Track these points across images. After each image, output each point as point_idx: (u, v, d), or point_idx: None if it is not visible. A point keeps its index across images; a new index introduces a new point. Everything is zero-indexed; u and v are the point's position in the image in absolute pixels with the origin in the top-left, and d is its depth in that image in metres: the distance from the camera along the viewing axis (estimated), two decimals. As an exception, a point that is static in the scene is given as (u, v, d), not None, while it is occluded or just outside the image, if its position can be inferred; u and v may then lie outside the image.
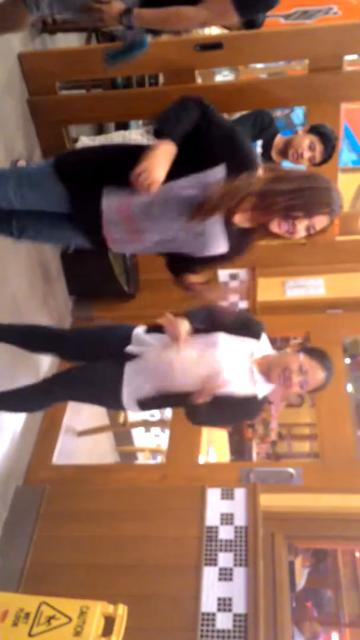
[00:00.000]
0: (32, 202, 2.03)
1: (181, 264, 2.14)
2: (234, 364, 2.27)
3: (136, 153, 1.82)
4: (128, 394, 2.35)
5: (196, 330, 2.27)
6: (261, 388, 2.32)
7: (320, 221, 1.88)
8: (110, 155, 2.02)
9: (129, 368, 2.34)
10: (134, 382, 2.34)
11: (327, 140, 3.00)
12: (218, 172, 1.84)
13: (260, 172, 1.89)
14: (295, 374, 2.22)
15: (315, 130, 3.02)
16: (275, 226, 1.90)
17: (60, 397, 2.63)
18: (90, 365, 2.47)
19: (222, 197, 1.83)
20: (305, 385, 2.25)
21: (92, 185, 1.92)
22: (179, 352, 2.25)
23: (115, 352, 2.40)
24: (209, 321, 2.30)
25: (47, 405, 2.77)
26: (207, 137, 1.88)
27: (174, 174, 1.82)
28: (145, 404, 2.38)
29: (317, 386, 2.28)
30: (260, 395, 2.32)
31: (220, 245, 1.98)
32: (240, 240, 2.01)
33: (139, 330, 2.44)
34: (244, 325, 2.35)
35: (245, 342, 2.32)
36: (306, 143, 3.00)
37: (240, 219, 1.95)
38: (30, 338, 2.70)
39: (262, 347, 2.36)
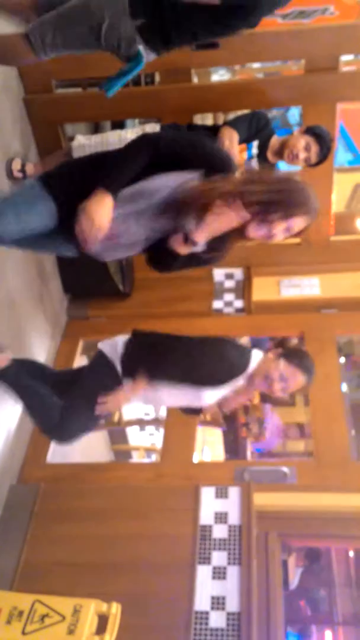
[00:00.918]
0: (34, 224, 1.99)
1: (162, 258, 2.10)
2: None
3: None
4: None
5: None
6: None
7: (297, 223, 1.88)
8: (94, 166, 1.99)
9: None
10: None
11: (323, 141, 3.00)
12: (192, 176, 1.86)
13: (237, 174, 1.90)
14: (275, 382, 2.25)
15: (311, 131, 3.03)
16: (252, 231, 1.89)
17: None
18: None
19: (193, 196, 1.84)
20: (287, 389, 2.29)
21: (77, 197, 1.90)
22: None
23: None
24: None
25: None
26: (174, 156, 1.88)
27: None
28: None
29: (298, 388, 2.32)
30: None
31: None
32: (217, 243, 2.00)
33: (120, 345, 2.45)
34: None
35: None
36: (302, 144, 3.01)
37: (216, 223, 1.96)
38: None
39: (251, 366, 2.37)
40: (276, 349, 2.34)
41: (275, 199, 1.83)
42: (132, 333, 2.50)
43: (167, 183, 1.87)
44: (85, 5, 2.33)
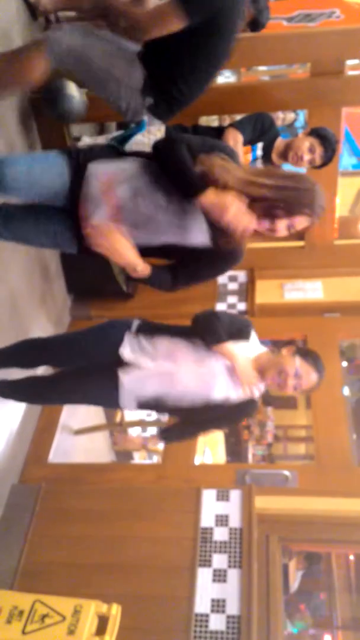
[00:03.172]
0: (44, 182, 2.05)
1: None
2: (228, 370, 2.28)
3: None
4: (127, 400, 2.37)
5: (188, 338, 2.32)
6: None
7: (300, 221, 1.91)
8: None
9: (126, 377, 2.32)
10: (132, 391, 2.34)
11: (328, 143, 3.00)
12: None
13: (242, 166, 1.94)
14: (290, 378, 2.24)
15: (316, 132, 3.02)
16: (256, 223, 1.92)
17: (57, 402, 2.67)
18: (84, 378, 2.47)
19: (210, 167, 1.87)
20: (299, 388, 2.26)
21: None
22: (178, 360, 2.27)
23: (107, 360, 2.37)
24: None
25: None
26: None
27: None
28: (143, 406, 2.40)
29: (309, 388, 2.30)
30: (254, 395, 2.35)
31: (202, 231, 2.00)
32: (222, 237, 2.01)
33: (134, 333, 2.41)
34: (235, 329, 2.34)
35: (237, 346, 2.31)
36: (306, 145, 3.01)
37: None
38: (20, 356, 2.66)
39: (252, 346, 2.36)
40: (289, 346, 2.33)
41: (281, 195, 1.85)
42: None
43: None
44: (108, 74, 2.44)
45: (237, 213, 1.86)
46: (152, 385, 2.30)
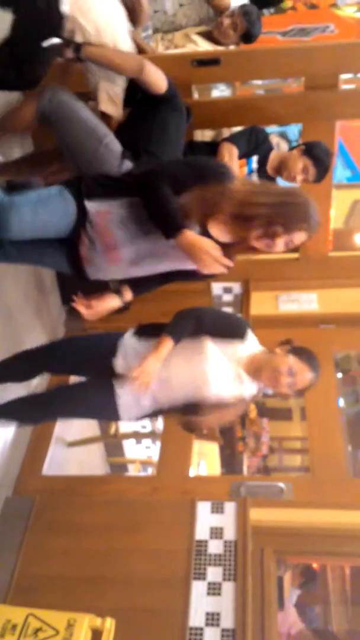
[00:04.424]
0: (50, 223, 2.08)
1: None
2: (221, 369, 2.27)
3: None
4: (126, 413, 2.38)
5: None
6: (248, 387, 2.33)
7: (298, 237, 1.93)
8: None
9: (122, 390, 2.34)
10: (129, 405, 2.36)
11: (320, 163, 3.03)
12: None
13: (237, 183, 1.94)
14: (284, 376, 2.24)
15: (309, 153, 3.03)
16: (254, 240, 1.93)
17: (57, 416, 2.68)
18: (82, 390, 2.49)
19: (197, 203, 1.88)
20: (294, 386, 2.26)
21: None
22: (169, 364, 2.26)
23: (100, 369, 2.40)
24: (195, 328, 2.30)
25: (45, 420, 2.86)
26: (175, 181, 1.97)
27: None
28: (143, 417, 2.41)
29: (305, 386, 2.30)
30: (247, 395, 2.34)
31: None
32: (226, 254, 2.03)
33: (127, 341, 2.43)
34: (228, 329, 2.34)
35: (230, 345, 2.31)
36: (299, 167, 3.04)
37: (219, 233, 1.99)
38: (16, 365, 2.69)
39: (248, 345, 2.34)
40: (283, 345, 2.33)
41: (279, 213, 1.87)
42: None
43: None
44: (95, 152, 2.64)
45: (209, 262, 1.91)
46: (147, 394, 2.30)
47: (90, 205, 2.04)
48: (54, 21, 2.48)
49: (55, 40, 2.52)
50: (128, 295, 2.39)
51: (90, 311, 2.41)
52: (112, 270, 2.21)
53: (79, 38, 2.56)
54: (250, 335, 2.37)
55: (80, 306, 2.38)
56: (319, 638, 2.47)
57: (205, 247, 1.89)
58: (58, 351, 2.66)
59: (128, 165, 2.67)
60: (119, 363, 2.34)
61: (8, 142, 3.23)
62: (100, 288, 3.73)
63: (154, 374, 2.16)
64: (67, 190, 2.06)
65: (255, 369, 2.30)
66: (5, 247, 2.15)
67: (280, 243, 1.94)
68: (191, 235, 1.90)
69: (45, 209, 2.03)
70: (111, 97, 2.79)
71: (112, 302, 2.40)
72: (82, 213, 2.05)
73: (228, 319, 2.45)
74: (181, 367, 2.26)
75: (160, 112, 2.75)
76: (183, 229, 1.90)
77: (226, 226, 1.99)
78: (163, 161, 2.63)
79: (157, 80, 2.69)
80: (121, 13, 2.74)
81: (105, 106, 2.78)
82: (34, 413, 2.62)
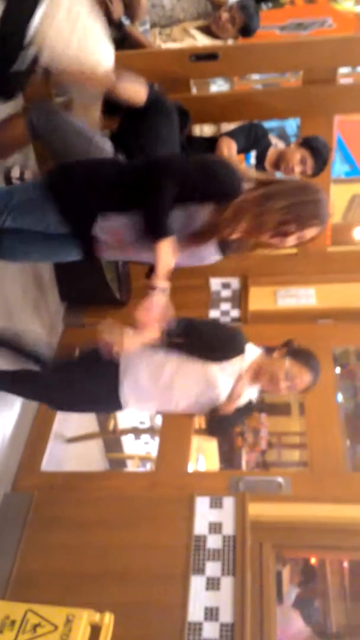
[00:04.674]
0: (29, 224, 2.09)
1: None
2: (225, 377, 2.29)
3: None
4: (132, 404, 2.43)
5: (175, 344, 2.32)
6: (249, 392, 2.36)
7: (310, 232, 1.91)
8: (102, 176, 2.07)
9: (127, 389, 2.37)
10: (136, 399, 2.40)
11: (319, 154, 3.02)
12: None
13: (247, 185, 1.91)
14: (282, 380, 2.24)
15: (307, 144, 3.04)
16: (266, 237, 1.92)
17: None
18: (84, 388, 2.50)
19: (218, 226, 1.88)
20: (293, 389, 2.28)
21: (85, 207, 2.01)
22: (175, 368, 2.30)
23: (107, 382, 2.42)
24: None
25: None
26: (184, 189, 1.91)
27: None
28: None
29: (304, 388, 2.31)
30: (252, 398, 2.37)
31: (214, 255, 2.06)
32: (231, 246, 2.06)
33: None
34: (213, 347, 2.33)
35: (231, 364, 2.32)
36: (297, 158, 3.04)
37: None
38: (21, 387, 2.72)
39: (247, 356, 2.35)
40: (281, 348, 2.34)
41: (294, 212, 1.85)
42: None
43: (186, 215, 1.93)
44: (87, 154, 2.58)
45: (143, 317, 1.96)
46: (153, 406, 2.43)
47: (98, 231, 2.03)
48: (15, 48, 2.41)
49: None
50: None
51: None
52: (129, 257, 2.27)
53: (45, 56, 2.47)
54: (249, 347, 2.38)
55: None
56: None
57: (154, 303, 1.96)
58: (62, 390, 2.60)
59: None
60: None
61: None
62: (98, 286, 3.75)
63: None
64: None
65: (253, 374, 2.31)
66: (7, 240, 2.18)
67: (292, 239, 1.93)
68: (165, 253, 1.87)
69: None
70: (87, 105, 2.78)
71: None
72: (89, 242, 2.08)
73: (210, 336, 2.39)
74: (187, 382, 2.31)
75: (148, 120, 2.69)
76: (167, 237, 1.87)
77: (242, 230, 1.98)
78: (169, 154, 2.61)
79: (133, 95, 2.60)
80: (97, 25, 2.62)
81: (82, 114, 2.78)
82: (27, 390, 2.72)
